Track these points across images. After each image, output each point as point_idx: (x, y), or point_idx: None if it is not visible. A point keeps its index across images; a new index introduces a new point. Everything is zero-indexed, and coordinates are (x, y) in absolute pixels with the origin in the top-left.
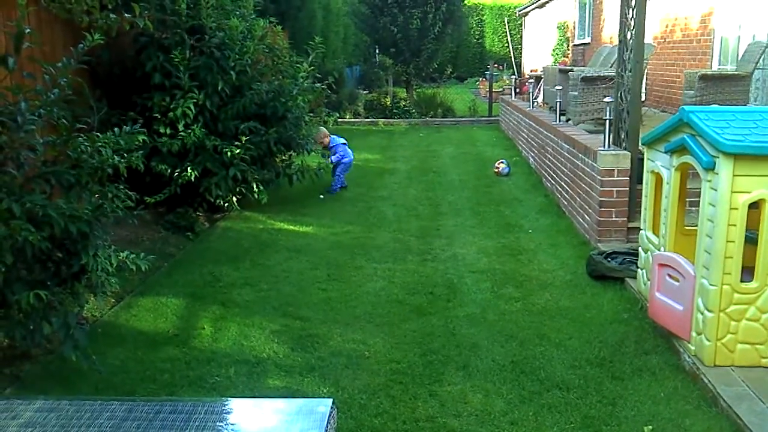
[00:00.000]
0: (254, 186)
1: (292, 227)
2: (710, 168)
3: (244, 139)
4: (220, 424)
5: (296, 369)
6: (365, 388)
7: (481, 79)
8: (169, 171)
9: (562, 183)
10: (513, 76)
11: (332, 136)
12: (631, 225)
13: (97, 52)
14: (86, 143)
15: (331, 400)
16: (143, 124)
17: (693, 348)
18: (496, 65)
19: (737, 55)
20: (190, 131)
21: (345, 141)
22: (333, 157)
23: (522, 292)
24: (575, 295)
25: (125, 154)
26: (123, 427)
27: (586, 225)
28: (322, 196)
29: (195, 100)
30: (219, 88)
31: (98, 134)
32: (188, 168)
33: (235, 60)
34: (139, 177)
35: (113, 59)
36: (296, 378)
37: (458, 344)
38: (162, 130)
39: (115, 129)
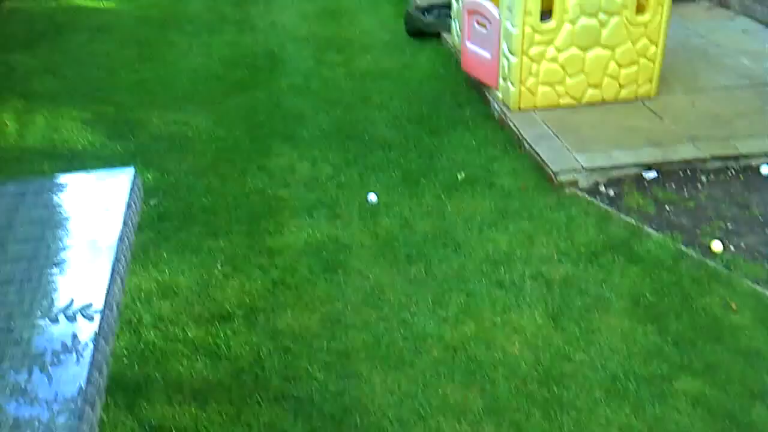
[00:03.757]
0: None
1: (91, 3)
2: None
3: None
4: (14, 204)
5: (116, 158)
6: (192, 170)
7: None
8: None
9: None
10: None
11: None
12: None
13: None
14: None
15: (132, 168)
16: None
17: (500, 95)
18: None
19: None
20: None
21: None
22: None
23: (344, 56)
24: (395, 55)
25: None
26: None
27: None
28: None
29: None
30: None
31: None
32: None
33: None
34: None
35: None
36: (117, 167)
37: (284, 116)
38: None
39: None
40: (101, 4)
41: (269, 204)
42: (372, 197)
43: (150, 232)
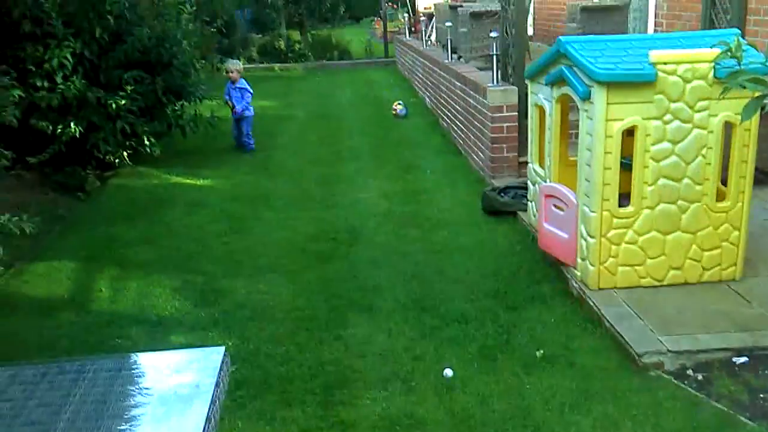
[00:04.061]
0: (145, 139)
1: (189, 181)
2: (586, 98)
3: (129, 89)
4: (110, 380)
5: (200, 324)
6: (271, 338)
7: (376, 19)
8: (51, 127)
9: (457, 122)
10: (407, 15)
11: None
12: (522, 160)
13: None
14: None
15: (223, 348)
16: (17, 78)
17: (579, 273)
18: (390, 4)
19: None
20: (69, 83)
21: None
22: (238, 106)
23: (422, 232)
24: (472, 231)
25: None
26: (7, 393)
27: (480, 162)
28: None
29: (72, 49)
30: (97, 35)
31: None
32: (71, 123)
33: (111, 4)
34: (20, 136)
35: None
36: (200, 333)
37: (361, 287)
38: (39, 84)
39: None
40: (198, 182)
41: (344, 374)
42: (448, 372)
43: (227, 400)
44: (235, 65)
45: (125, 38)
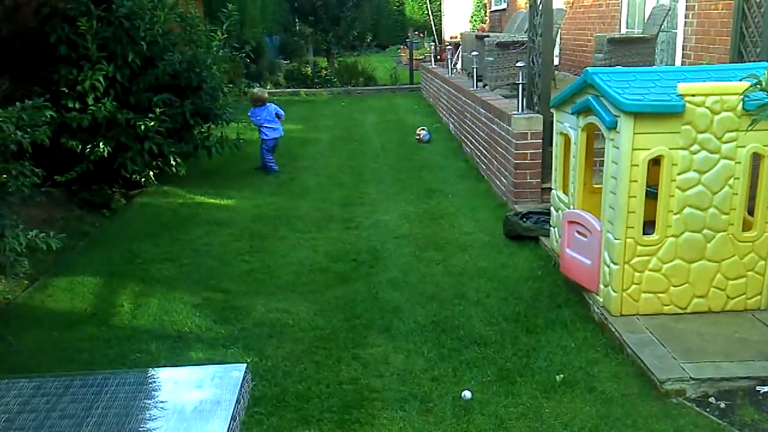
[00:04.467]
0: (171, 159)
1: (212, 200)
2: (612, 127)
3: (158, 111)
4: (132, 394)
5: (219, 341)
6: (289, 356)
7: (402, 46)
8: (80, 147)
9: (481, 147)
10: (433, 44)
11: (268, 106)
12: (545, 186)
13: None
14: None
15: (244, 365)
16: (50, 99)
17: (601, 299)
18: (416, 33)
19: (643, 18)
20: (100, 105)
21: (273, 117)
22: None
23: (442, 254)
24: (493, 255)
25: (29, 130)
26: (31, 404)
27: (503, 187)
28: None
29: (104, 73)
30: (129, 59)
31: None
32: (100, 143)
33: (145, 30)
34: (50, 154)
35: (14, 32)
36: (219, 350)
37: (381, 308)
38: (71, 105)
39: (17, 104)
40: (221, 201)
41: (362, 394)
42: (466, 394)
43: (244, 416)
44: (254, 94)
45: (157, 63)
